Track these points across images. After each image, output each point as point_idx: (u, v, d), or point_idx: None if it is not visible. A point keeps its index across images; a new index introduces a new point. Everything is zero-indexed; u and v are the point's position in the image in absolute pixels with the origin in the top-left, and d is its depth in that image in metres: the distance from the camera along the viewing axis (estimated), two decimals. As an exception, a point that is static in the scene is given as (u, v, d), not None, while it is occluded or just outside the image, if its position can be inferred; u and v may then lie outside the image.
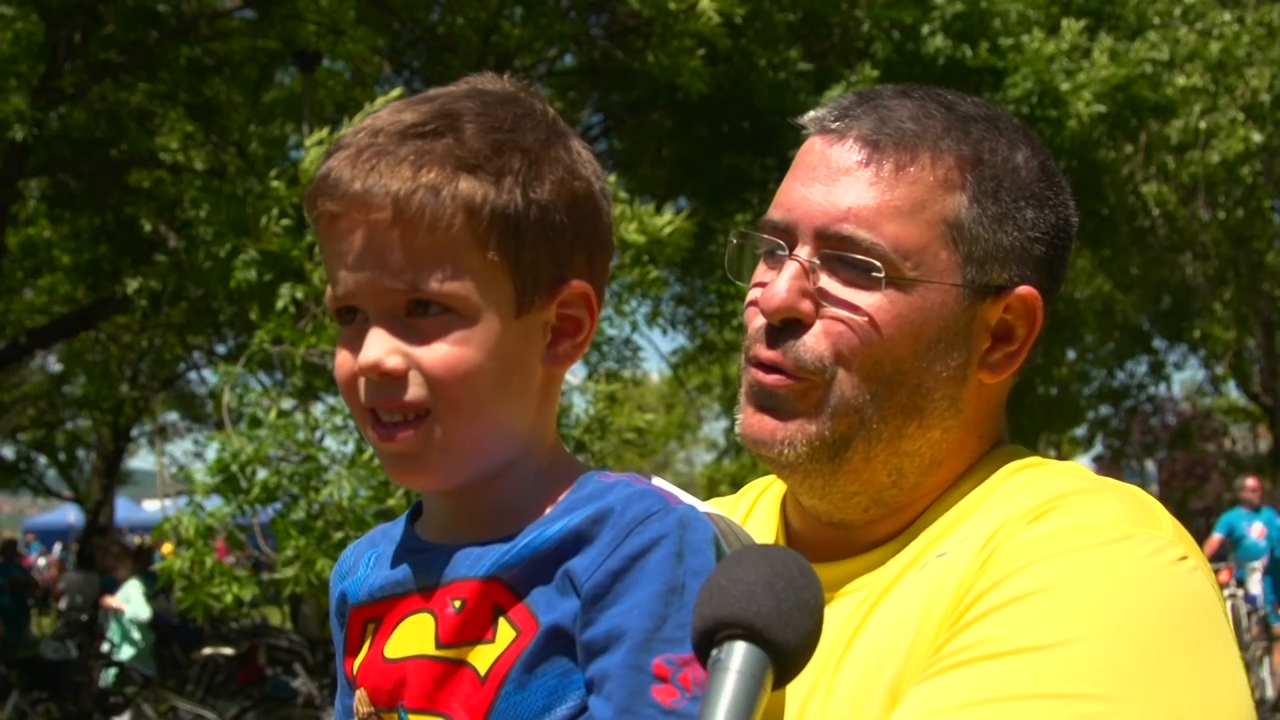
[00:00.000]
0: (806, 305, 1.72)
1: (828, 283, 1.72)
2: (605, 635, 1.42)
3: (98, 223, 17.49)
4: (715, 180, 16.75)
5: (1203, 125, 21.18)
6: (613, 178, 10.56)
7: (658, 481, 1.59)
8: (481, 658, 1.47)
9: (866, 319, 1.70)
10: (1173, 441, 41.71)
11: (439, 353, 1.48)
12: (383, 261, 1.48)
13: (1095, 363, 38.21)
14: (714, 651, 1.23)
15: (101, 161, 16.27)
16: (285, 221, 10.00)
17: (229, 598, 8.49)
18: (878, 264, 1.69)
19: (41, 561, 33.61)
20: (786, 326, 1.73)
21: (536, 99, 1.61)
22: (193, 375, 28.92)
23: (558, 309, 1.56)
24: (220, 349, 22.07)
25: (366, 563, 1.65)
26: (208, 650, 17.20)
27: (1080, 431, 39.56)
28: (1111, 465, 39.03)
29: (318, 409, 9.81)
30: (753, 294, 1.81)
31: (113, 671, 14.18)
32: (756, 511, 2.00)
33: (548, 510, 1.54)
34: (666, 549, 1.45)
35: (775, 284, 1.73)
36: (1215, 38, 21.18)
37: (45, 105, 13.81)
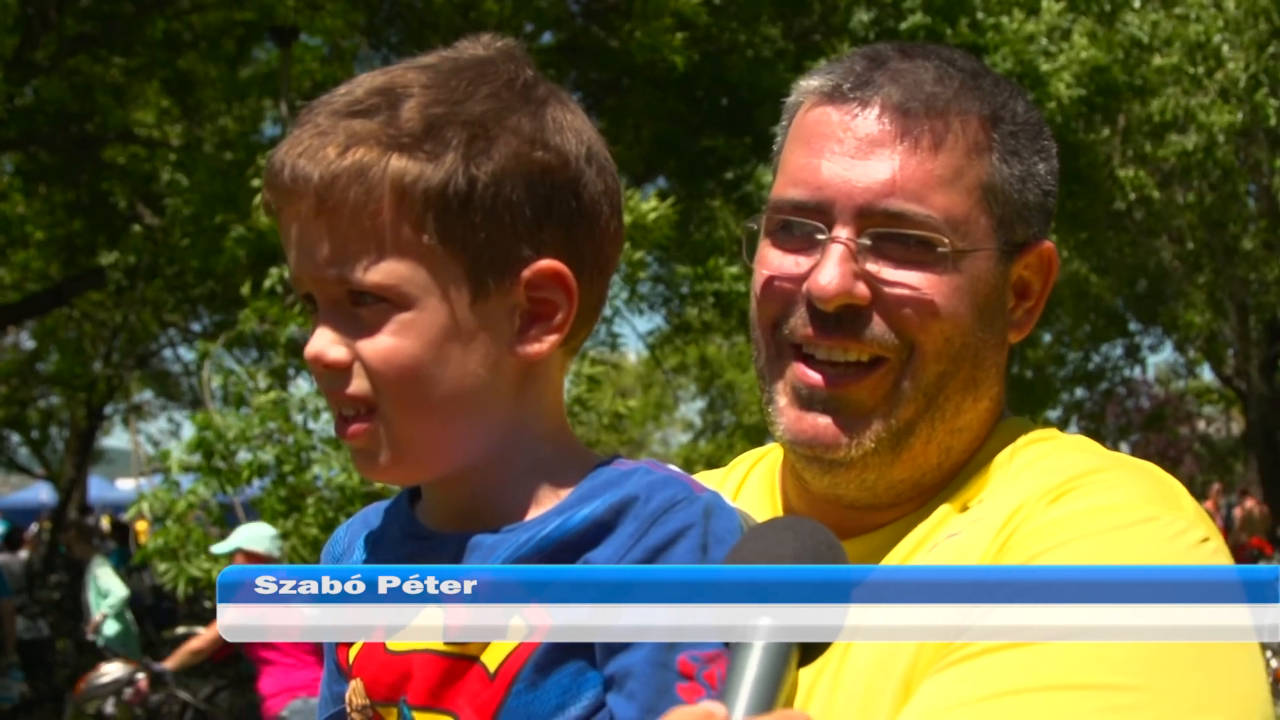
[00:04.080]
0: (862, 289, 1.62)
1: (877, 263, 1.63)
2: None
3: (71, 198, 17.34)
4: (693, 160, 16.70)
5: (1180, 106, 21.22)
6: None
7: (673, 468, 1.50)
8: (492, 655, 1.40)
9: (930, 297, 1.62)
10: (1147, 424, 41.83)
11: (377, 345, 1.40)
12: (314, 252, 1.40)
13: (1070, 345, 38.33)
14: None
15: (75, 136, 16.12)
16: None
17: (216, 574, 8.45)
18: (943, 239, 1.61)
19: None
20: (841, 314, 1.63)
21: (512, 62, 1.49)
22: (167, 353, 28.77)
23: (526, 291, 1.44)
24: (195, 326, 21.95)
25: (362, 546, 1.57)
26: (182, 629, 17.09)
27: (1055, 414, 39.69)
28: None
29: (301, 387, 9.74)
30: (774, 279, 1.70)
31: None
32: (748, 488, 1.92)
33: (556, 501, 1.45)
34: (691, 541, 1.37)
35: (824, 270, 1.62)
36: (1193, 20, 21.23)
37: (19, 79, 13.67)
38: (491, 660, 1.40)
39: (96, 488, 37.67)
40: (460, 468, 1.47)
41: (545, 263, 1.44)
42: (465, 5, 17.51)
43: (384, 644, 1.46)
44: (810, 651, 1.19)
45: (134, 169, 16.41)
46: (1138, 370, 42.79)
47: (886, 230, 1.62)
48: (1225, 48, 21.19)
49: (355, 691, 1.49)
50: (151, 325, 21.45)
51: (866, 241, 1.63)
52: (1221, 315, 30.49)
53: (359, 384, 1.41)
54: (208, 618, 17.83)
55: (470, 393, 1.43)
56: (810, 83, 1.74)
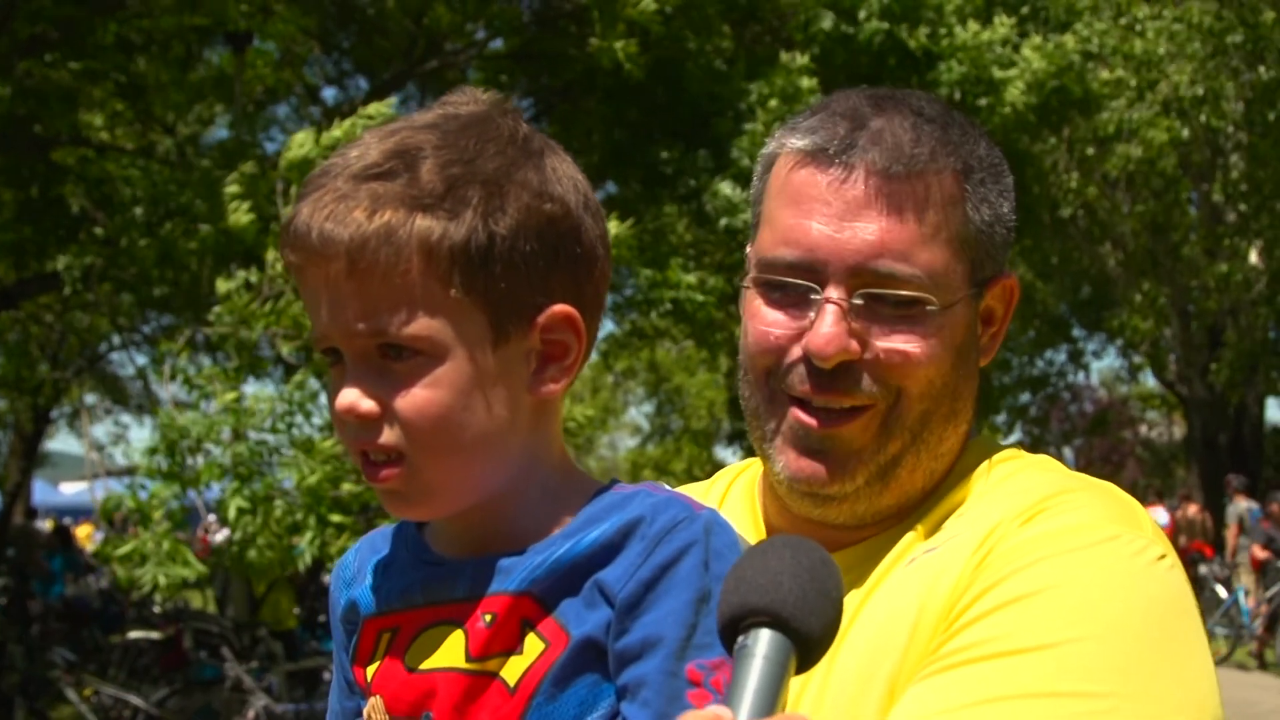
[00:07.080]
0: (854, 346, 1.74)
1: (867, 321, 1.74)
2: (640, 643, 1.45)
3: (22, 199, 17.18)
4: (647, 168, 16.75)
5: (1126, 118, 21.52)
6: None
7: (670, 488, 1.61)
8: (511, 670, 1.49)
9: (917, 350, 1.74)
10: (1090, 429, 42.33)
11: (410, 397, 1.48)
12: (345, 310, 1.47)
13: (1015, 351, 38.70)
14: (740, 638, 1.26)
15: (26, 138, 15.99)
16: (247, 208, 9.95)
17: (176, 578, 8.45)
18: (931, 298, 1.73)
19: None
20: (836, 369, 1.74)
21: (508, 116, 1.58)
22: (115, 356, 28.51)
23: (541, 335, 1.54)
24: (145, 329, 21.79)
25: (373, 570, 1.65)
26: (133, 634, 17.01)
27: (1000, 419, 40.06)
28: (1030, 452, 39.55)
29: (264, 391, 9.73)
30: (769, 333, 1.80)
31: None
32: (729, 503, 2.02)
33: (561, 526, 1.55)
34: (695, 557, 1.47)
35: (820, 329, 1.73)
36: (1138, 34, 21.54)
37: (-31, 81, 13.56)
38: (511, 675, 1.49)
39: (40, 491, 37.28)
40: (480, 499, 1.56)
41: (558, 308, 1.54)
42: (417, 11, 17.53)
43: (404, 663, 1.55)
44: (807, 658, 1.28)
45: (85, 172, 16.28)
46: (1081, 375, 43.36)
47: (878, 290, 1.73)
48: (1170, 66, 21.56)
49: (375, 708, 1.57)
50: (104, 327, 21.27)
51: (859, 301, 1.73)
52: (1164, 321, 30.87)
53: (390, 434, 1.50)
54: (156, 622, 17.76)
55: (494, 434, 1.53)
56: (792, 140, 1.82)
